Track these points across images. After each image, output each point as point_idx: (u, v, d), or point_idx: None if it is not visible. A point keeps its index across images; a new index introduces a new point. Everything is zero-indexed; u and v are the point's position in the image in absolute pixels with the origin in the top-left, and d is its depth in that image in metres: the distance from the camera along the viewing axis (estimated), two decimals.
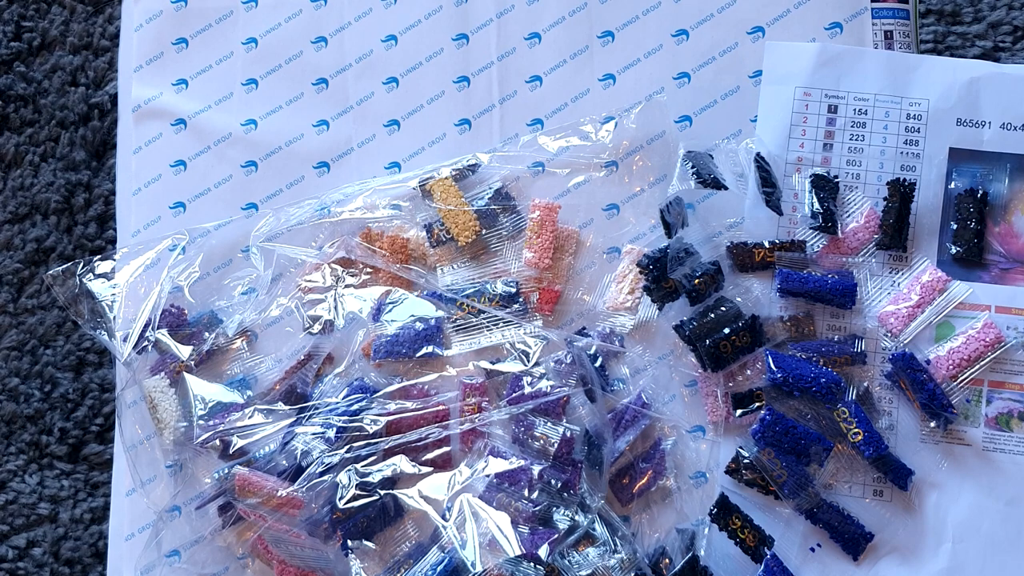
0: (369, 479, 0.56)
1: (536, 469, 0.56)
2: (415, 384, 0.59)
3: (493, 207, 0.62)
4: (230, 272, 0.63)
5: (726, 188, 0.59)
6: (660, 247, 0.58)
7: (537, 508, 0.55)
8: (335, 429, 0.56)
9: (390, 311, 0.60)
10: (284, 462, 0.57)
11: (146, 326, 0.60)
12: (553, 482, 0.56)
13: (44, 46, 0.74)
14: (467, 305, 0.60)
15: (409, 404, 0.58)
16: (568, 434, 0.57)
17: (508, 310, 0.60)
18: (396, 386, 0.59)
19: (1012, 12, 0.77)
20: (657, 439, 0.60)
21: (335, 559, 0.57)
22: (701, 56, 0.63)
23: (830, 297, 0.58)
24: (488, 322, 0.60)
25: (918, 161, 0.60)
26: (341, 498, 0.55)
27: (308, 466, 0.56)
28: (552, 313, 0.61)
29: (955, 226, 0.60)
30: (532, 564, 0.54)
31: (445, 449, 0.58)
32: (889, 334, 0.59)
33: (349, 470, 0.56)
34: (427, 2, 0.65)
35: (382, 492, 0.56)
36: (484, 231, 0.61)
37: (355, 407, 0.57)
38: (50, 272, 0.62)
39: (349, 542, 0.56)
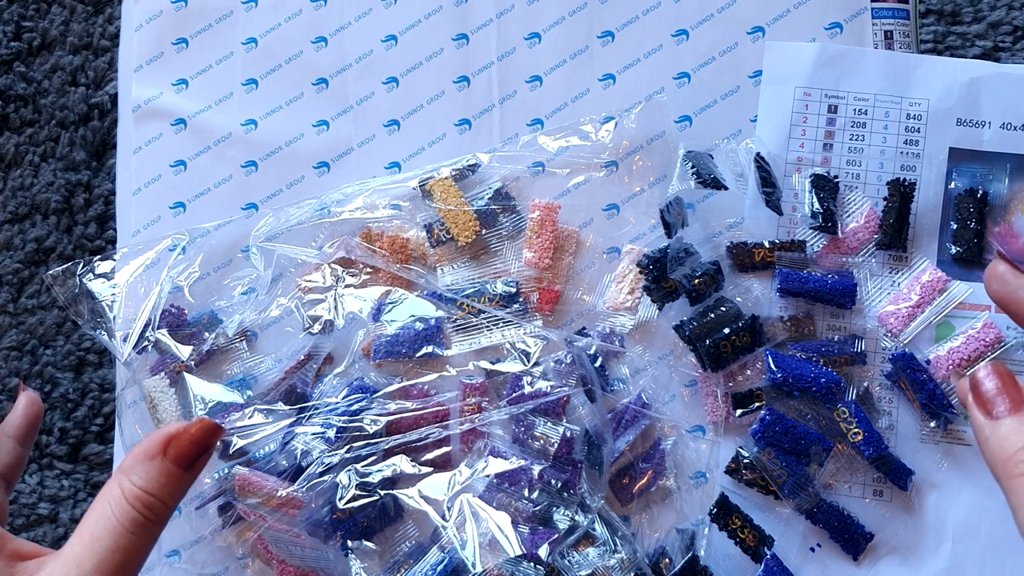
0: (369, 479, 0.56)
1: (536, 469, 0.56)
2: (415, 384, 0.59)
3: (493, 207, 0.62)
4: (230, 272, 0.63)
5: (726, 188, 0.59)
6: (660, 247, 0.58)
7: (537, 508, 0.55)
8: (335, 429, 0.56)
9: (390, 311, 0.60)
10: (284, 462, 0.57)
11: (146, 326, 0.60)
12: (553, 482, 0.56)
13: (44, 46, 0.74)
14: (467, 305, 0.60)
15: (409, 404, 0.58)
16: (568, 434, 0.57)
17: (508, 310, 0.60)
18: (396, 386, 0.59)
19: (1012, 12, 0.77)
20: (657, 439, 0.60)
21: (335, 559, 0.57)
22: (701, 56, 0.63)
23: (830, 297, 0.58)
24: (488, 322, 0.60)
25: (918, 161, 0.60)
26: (341, 498, 0.55)
27: (308, 466, 0.56)
28: (552, 313, 0.61)
29: (955, 226, 0.60)
30: (532, 564, 0.54)
31: (445, 449, 0.58)
32: (889, 334, 0.59)
33: (349, 470, 0.56)
34: (427, 2, 0.65)
35: (382, 492, 0.56)
36: (484, 231, 0.61)
37: (355, 407, 0.57)
38: (50, 272, 0.62)
39: (349, 542, 0.56)
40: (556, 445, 0.56)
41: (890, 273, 0.60)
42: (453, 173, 0.62)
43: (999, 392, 0.39)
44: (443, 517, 0.55)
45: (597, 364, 0.60)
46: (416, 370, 0.60)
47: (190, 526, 0.59)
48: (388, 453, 0.57)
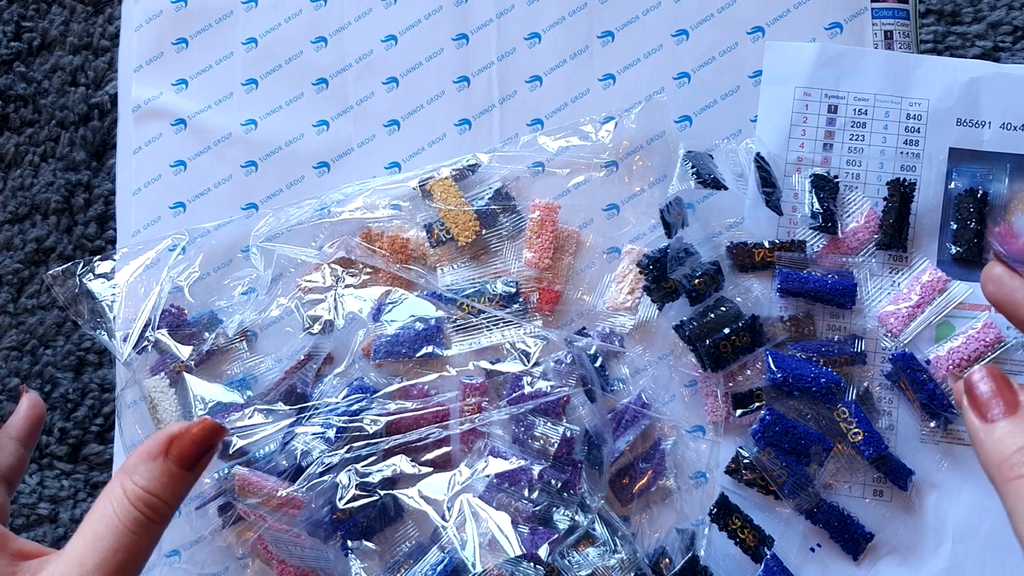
0: (369, 479, 0.56)
1: (536, 469, 0.56)
2: (415, 384, 0.59)
3: (493, 207, 0.62)
4: (230, 272, 0.63)
5: (726, 188, 0.59)
6: (660, 247, 0.58)
7: (537, 508, 0.55)
8: (335, 429, 0.56)
9: (390, 311, 0.60)
10: (284, 462, 0.57)
11: (146, 326, 0.60)
12: (553, 482, 0.56)
13: (44, 46, 0.74)
14: (467, 305, 0.60)
15: (409, 404, 0.58)
16: (568, 434, 0.57)
17: (508, 310, 0.60)
18: (396, 386, 0.59)
19: (1012, 12, 0.77)
20: (657, 439, 0.60)
21: (335, 559, 0.57)
22: (701, 56, 0.63)
23: (830, 297, 0.58)
24: (488, 322, 0.60)
25: (918, 161, 0.60)
26: (341, 498, 0.55)
27: (308, 466, 0.56)
28: (552, 313, 0.61)
29: (955, 226, 0.60)
30: (532, 564, 0.54)
31: (445, 449, 0.58)
32: (889, 334, 0.59)
33: (349, 470, 0.56)
34: (427, 2, 0.65)
35: (382, 492, 0.56)
36: (484, 231, 0.61)
37: (355, 407, 0.57)
38: (50, 272, 0.62)
39: (349, 542, 0.56)
40: (556, 445, 0.56)
41: (890, 273, 0.60)
42: (453, 173, 0.62)
43: (994, 395, 0.39)
44: (443, 517, 0.55)
45: (597, 364, 0.60)
46: (416, 370, 0.60)
47: (190, 526, 0.59)
48: (388, 453, 0.57)
